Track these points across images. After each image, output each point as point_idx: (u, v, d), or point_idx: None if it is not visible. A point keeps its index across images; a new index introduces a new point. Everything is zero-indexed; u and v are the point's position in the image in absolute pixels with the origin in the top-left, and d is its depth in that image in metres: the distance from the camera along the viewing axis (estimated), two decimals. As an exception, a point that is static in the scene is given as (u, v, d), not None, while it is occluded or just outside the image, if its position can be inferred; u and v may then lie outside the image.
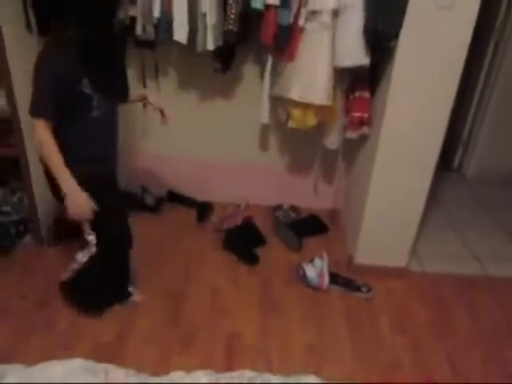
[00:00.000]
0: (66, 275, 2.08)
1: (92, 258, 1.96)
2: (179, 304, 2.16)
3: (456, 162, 3.61)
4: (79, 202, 1.73)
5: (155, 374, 1.55)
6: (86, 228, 1.90)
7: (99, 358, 1.71)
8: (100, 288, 2.05)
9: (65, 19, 1.62)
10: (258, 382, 1.06)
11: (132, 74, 2.56)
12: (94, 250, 1.94)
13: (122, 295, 2.13)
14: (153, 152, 2.80)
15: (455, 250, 2.68)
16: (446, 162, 3.50)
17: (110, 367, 1.18)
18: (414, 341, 2.06)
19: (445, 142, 2.14)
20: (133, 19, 2.13)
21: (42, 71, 1.59)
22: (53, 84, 1.58)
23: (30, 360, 1.51)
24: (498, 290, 2.39)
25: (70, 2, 1.57)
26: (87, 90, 1.64)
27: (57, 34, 1.65)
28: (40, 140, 1.65)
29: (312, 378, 1.12)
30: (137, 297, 2.15)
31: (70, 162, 1.71)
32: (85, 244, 1.96)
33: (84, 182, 1.74)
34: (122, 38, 1.80)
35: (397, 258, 2.40)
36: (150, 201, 2.79)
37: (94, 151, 1.79)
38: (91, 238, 1.92)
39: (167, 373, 1.50)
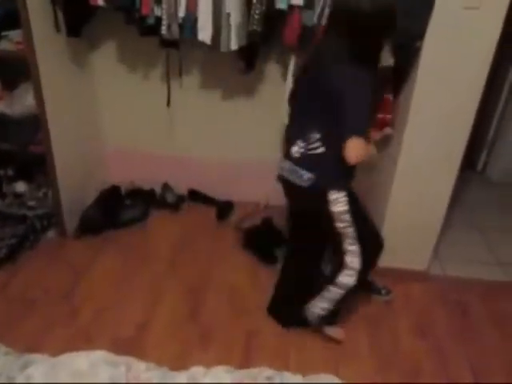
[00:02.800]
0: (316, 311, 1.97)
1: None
2: (199, 301, 2.19)
3: (481, 163, 3.55)
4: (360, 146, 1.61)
5: (174, 369, 1.57)
6: (347, 239, 1.80)
7: (119, 351, 1.74)
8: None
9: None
10: (277, 380, 1.07)
11: (156, 74, 2.62)
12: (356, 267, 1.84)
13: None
14: (176, 151, 2.83)
15: (479, 253, 2.64)
16: (470, 164, 3.44)
17: (132, 360, 1.19)
18: (434, 346, 2.03)
19: (469, 144, 2.10)
20: (158, 19, 2.16)
21: (364, 91, 1.57)
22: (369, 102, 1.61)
23: (54, 351, 1.56)
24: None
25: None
26: None
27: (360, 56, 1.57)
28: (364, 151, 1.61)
29: (331, 378, 1.12)
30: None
31: (336, 175, 1.72)
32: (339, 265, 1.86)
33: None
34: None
35: (418, 260, 2.37)
36: (170, 199, 2.83)
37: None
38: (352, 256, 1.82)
39: (186, 368, 1.52)
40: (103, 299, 2.16)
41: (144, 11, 2.13)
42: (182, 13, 2.13)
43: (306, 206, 1.85)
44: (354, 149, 1.57)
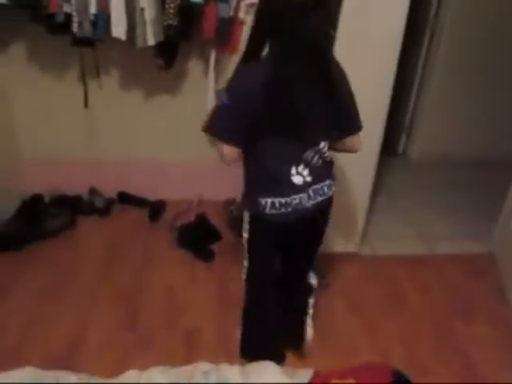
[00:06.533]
0: None
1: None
2: (135, 306, 2.12)
3: (400, 147, 3.75)
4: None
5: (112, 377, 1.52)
6: None
7: (52, 367, 1.65)
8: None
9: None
10: (213, 374, 1.06)
11: (72, 74, 2.50)
12: None
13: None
14: (100, 153, 2.72)
15: (403, 231, 2.79)
16: (391, 148, 3.62)
17: (61, 374, 1.14)
18: (368, 323, 2.12)
19: (389, 129, 2.21)
20: (68, 16, 2.05)
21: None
22: None
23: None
24: (444, 267, 2.51)
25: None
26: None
27: None
28: None
29: (268, 365, 1.14)
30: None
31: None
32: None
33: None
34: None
35: (348, 243, 2.46)
36: (99, 203, 2.72)
37: None
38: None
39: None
40: (31, 316, 2.03)
41: (52, 8, 2.02)
42: (93, 9, 2.05)
43: (326, 217, 1.70)
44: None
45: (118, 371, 1.70)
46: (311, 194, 1.53)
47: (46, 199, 2.68)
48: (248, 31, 1.46)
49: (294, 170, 1.48)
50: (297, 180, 1.49)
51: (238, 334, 1.84)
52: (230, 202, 2.84)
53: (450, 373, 1.89)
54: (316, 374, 1.09)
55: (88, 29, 2.07)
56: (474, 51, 3.31)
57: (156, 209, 2.75)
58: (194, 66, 2.54)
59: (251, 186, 1.57)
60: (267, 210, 1.50)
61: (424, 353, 1.99)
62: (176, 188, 2.84)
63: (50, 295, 2.16)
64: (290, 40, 1.34)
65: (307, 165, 1.50)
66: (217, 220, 2.70)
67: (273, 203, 1.50)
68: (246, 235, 1.65)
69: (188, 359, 1.83)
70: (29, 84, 2.53)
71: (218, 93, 1.59)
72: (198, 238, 2.53)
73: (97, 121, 2.65)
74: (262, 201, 1.50)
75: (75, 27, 2.06)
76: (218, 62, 2.29)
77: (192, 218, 2.65)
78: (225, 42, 2.12)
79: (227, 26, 2.06)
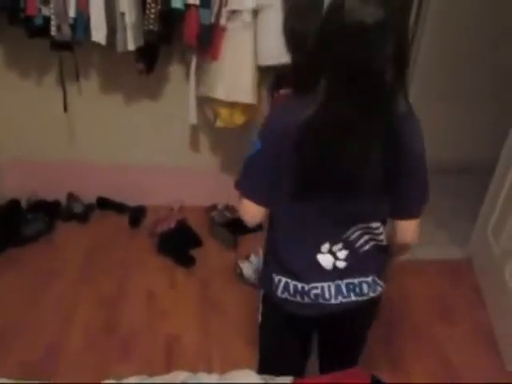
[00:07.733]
0: None
1: None
2: (115, 311, 2.11)
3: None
4: None
5: (89, 385, 1.50)
6: None
7: (28, 375, 1.62)
8: None
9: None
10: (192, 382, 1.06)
11: (51, 78, 2.46)
12: None
13: None
14: (79, 158, 2.69)
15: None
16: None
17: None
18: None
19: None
20: (47, 19, 2.03)
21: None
22: None
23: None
24: (425, 272, 2.54)
25: None
26: None
27: None
28: None
29: (247, 373, 1.13)
30: None
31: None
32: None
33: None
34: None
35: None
36: (77, 209, 2.67)
37: None
38: None
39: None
40: (8, 323, 2.00)
41: (29, 12, 1.99)
42: (72, 13, 2.02)
43: (367, 320, 1.34)
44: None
45: (98, 377, 1.68)
46: (343, 289, 1.14)
47: (24, 205, 2.64)
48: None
49: (325, 247, 1.11)
50: (324, 261, 1.11)
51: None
52: (211, 208, 2.83)
53: (431, 377, 1.91)
54: (295, 382, 1.09)
55: (67, 32, 2.04)
56: (454, 62, 3.37)
57: (136, 215, 2.72)
58: (174, 71, 2.53)
59: (266, 255, 1.24)
60: (279, 292, 1.16)
61: (405, 357, 2.00)
62: (157, 193, 2.82)
63: (28, 301, 2.13)
64: (339, 72, 0.98)
65: (348, 245, 1.12)
66: (198, 226, 2.69)
67: (286, 285, 1.14)
68: (259, 318, 1.36)
69: (167, 366, 1.85)
70: (7, 88, 2.48)
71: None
72: (178, 243, 2.51)
73: (76, 125, 2.62)
74: (276, 278, 1.16)
75: (53, 31, 2.03)
76: (198, 66, 2.28)
77: (172, 224, 2.63)
78: (206, 48, 2.12)
79: (209, 33, 2.05)
